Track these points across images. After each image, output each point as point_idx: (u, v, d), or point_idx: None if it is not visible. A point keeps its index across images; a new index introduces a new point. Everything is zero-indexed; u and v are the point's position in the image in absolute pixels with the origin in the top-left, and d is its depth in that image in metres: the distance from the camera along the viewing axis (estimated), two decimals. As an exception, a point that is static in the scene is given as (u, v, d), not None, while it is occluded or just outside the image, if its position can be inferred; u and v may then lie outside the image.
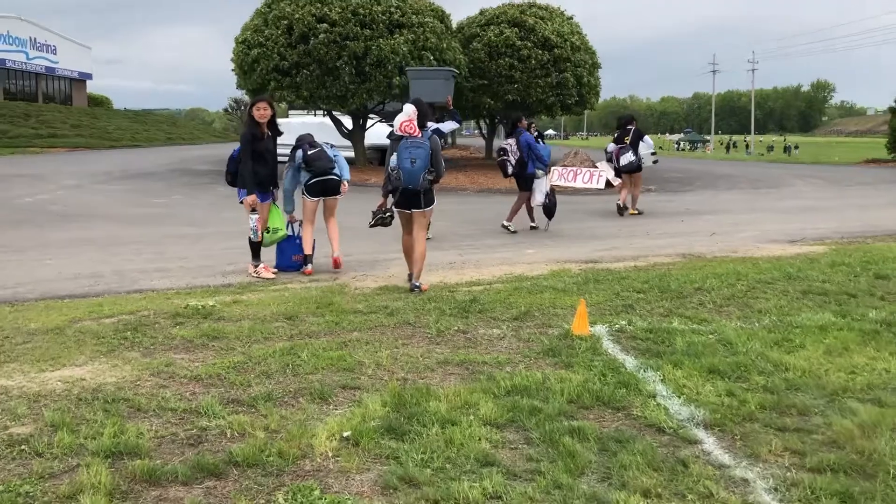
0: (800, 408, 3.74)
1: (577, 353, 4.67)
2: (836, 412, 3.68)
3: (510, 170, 10.82)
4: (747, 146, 73.53)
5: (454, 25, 24.92)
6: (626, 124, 13.03)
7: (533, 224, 11.13)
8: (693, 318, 5.62)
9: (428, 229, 7.75)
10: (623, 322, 5.51)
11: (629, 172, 12.79)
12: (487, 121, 31.20)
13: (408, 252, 6.99)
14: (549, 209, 10.88)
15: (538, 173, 10.82)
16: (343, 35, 19.92)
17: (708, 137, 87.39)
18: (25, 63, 47.94)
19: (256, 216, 7.32)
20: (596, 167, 16.92)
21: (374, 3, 20.66)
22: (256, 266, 7.47)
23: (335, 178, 7.83)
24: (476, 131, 50.29)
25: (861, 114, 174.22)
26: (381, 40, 19.91)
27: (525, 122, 11.53)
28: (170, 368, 4.39)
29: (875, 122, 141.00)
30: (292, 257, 7.87)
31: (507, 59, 23.03)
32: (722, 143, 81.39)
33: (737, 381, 4.16)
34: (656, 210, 13.94)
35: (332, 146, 8.02)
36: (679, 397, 3.92)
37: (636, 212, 12.96)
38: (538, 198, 10.85)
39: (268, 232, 7.55)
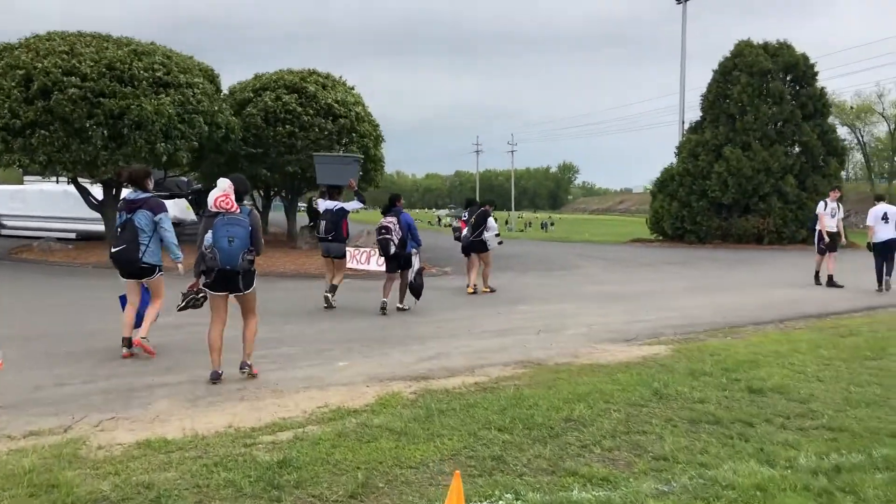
0: None
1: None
2: None
3: (393, 249, 10.40)
4: (507, 222, 77.08)
5: (225, 89, 22.76)
6: (472, 204, 13.59)
7: (400, 305, 10.82)
8: (591, 478, 4.16)
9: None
10: (509, 496, 3.89)
11: (467, 251, 13.19)
12: (262, 193, 28.92)
13: (214, 345, 6.37)
14: (416, 288, 10.76)
15: (413, 252, 10.74)
16: (96, 91, 17.00)
17: None
18: None
19: None
20: (358, 247, 15.55)
21: (133, 58, 18.00)
22: None
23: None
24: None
25: (601, 193, 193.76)
26: (143, 99, 17.25)
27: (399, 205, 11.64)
28: None
29: (613, 201, 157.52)
30: None
31: (287, 127, 21.16)
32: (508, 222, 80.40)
33: None
34: (463, 296, 12.76)
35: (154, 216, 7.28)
36: None
37: (488, 289, 13.06)
38: (410, 275, 10.71)
39: None
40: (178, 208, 25.76)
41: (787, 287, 14.58)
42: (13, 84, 16.61)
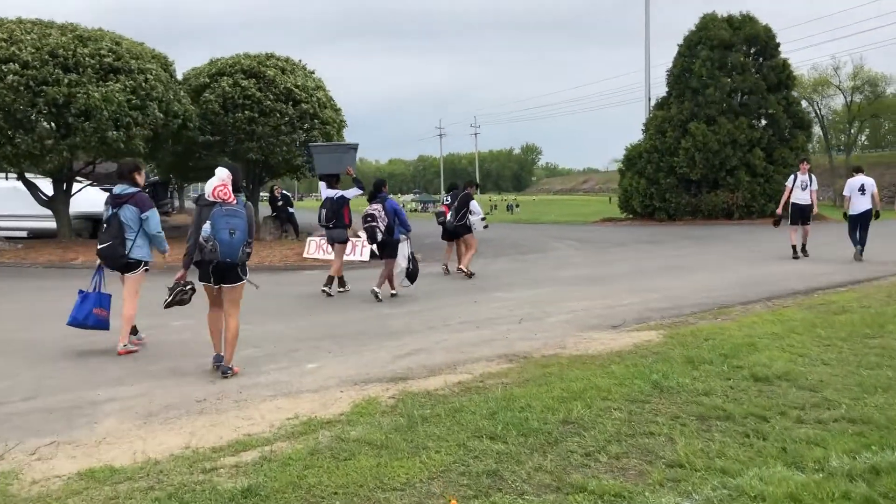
0: None
1: None
2: None
3: (379, 236, 10.32)
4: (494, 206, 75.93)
5: (179, 76, 21.79)
6: (455, 188, 13.56)
7: (394, 292, 10.68)
8: (602, 494, 3.66)
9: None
10: (513, 522, 3.38)
11: (450, 236, 13.33)
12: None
13: (215, 329, 6.36)
14: (413, 273, 10.73)
15: (402, 238, 10.62)
16: (38, 80, 16.03)
17: (437, 197, 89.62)
18: None
19: None
20: (358, 236, 14.92)
21: (78, 44, 17.04)
22: None
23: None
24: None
25: (564, 174, 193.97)
26: (89, 87, 16.32)
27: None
28: None
29: (576, 182, 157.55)
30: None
31: (246, 113, 20.30)
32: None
33: None
34: (438, 284, 12.21)
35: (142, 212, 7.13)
36: None
37: (469, 273, 12.74)
38: (401, 263, 10.61)
39: None
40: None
41: (766, 263, 14.29)
42: (-53, 74, 15.59)
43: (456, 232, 13.13)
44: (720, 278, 12.10)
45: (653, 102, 33.10)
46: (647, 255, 16.76)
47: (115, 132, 16.56)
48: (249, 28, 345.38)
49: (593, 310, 9.24)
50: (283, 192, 23.42)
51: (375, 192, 10.66)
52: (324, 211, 11.07)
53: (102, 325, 7.23)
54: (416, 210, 72.66)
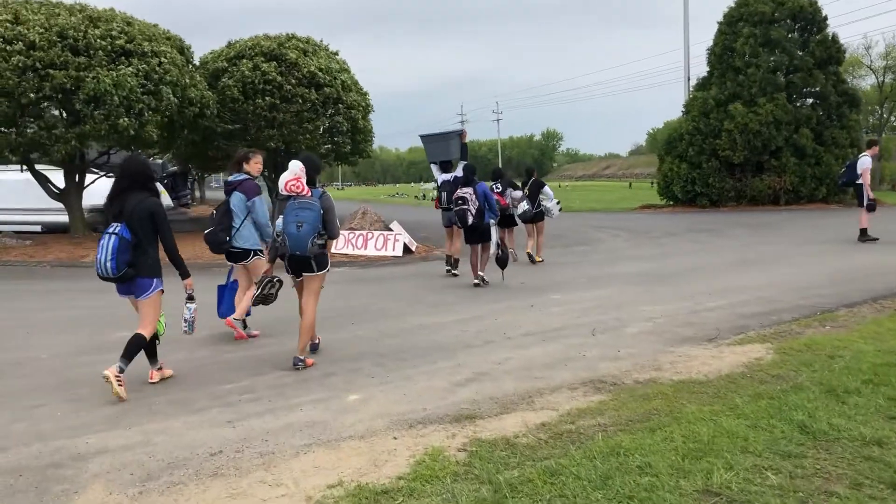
0: None
1: None
2: None
3: (470, 219, 10.15)
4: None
5: (196, 60, 20.57)
6: (500, 176, 13.04)
7: (477, 281, 10.48)
8: None
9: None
10: None
11: (527, 222, 13.18)
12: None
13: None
14: (503, 260, 10.64)
15: (492, 222, 10.59)
16: (45, 62, 14.89)
17: None
18: None
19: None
20: (390, 230, 13.67)
21: (88, 24, 15.86)
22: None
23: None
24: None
25: (585, 160, 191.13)
26: (99, 70, 15.15)
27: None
28: None
29: (598, 167, 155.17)
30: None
31: (267, 99, 19.03)
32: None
33: None
34: (486, 285, 10.94)
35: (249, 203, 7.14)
36: None
37: (540, 259, 13.11)
38: (491, 249, 10.58)
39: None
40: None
41: (845, 253, 12.86)
42: (-52, 57, 14.48)
43: (533, 218, 13.28)
44: (805, 273, 10.69)
45: (692, 83, 31.46)
46: (707, 247, 15.30)
47: (126, 119, 15.39)
48: (266, 18, 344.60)
49: (675, 316, 7.89)
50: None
51: (469, 175, 10.57)
52: (444, 194, 11.56)
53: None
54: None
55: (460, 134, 12.40)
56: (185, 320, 5.77)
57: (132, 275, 5.31)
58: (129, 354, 5.34)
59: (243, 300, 7.22)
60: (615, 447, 4.11)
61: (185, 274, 5.61)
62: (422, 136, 13.54)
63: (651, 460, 3.90)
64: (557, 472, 3.79)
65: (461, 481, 3.73)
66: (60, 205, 18.42)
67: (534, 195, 13.16)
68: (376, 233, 13.86)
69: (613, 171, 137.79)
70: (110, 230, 5.28)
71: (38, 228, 21.51)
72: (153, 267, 5.42)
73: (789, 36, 28.53)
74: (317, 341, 6.61)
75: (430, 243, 16.90)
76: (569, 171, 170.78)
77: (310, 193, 6.01)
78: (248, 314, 7.39)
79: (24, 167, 18.83)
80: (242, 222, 7.03)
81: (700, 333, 7.04)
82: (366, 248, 13.82)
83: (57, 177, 18.28)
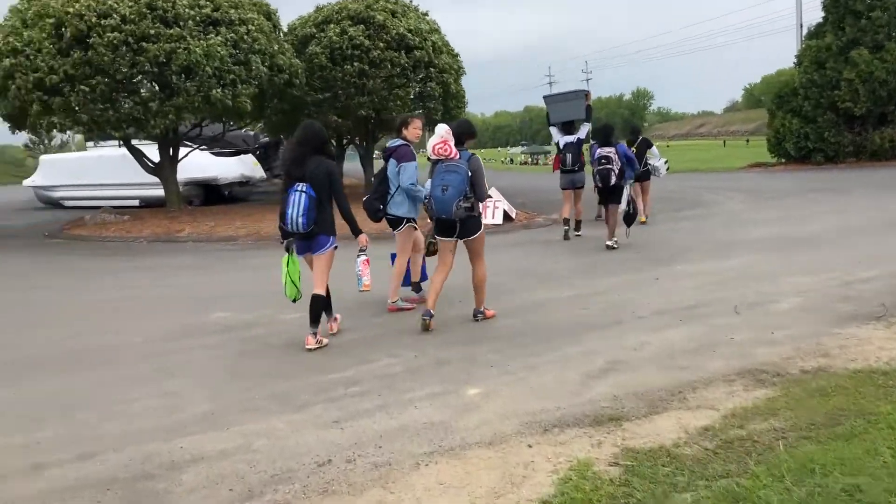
0: None
1: None
2: None
3: (613, 180, 10.09)
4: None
5: (284, 27, 20.20)
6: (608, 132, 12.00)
7: (609, 243, 10.20)
8: None
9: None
10: None
11: (637, 181, 12.76)
12: (334, 142, 26.43)
13: (434, 287, 6.24)
14: (631, 217, 10.47)
15: (626, 182, 10.58)
16: (137, 35, 14.76)
17: (548, 148, 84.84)
18: None
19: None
20: (490, 197, 12.95)
21: (176, -7, 15.64)
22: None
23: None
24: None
25: (678, 118, 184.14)
26: (190, 41, 14.93)
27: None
28: None
29: (692, 126, 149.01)
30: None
31: (355, 65, 18.47)
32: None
33: None
34: (599, 251, 10.11)
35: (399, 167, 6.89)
36: None
37: (644, 220, 12.74)
38: (622, 206, 10.46)
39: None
40: (245, 165, 23.68)
41: None
42: (44, 35, 14.52)
43: (640, 177, 12.99)
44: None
45: (804, 31, 29.10)
46: (839, 207, 13.79)
47: (218, 90, 15.15)
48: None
49: (828, 290, 6.88)
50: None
51: (608, 135, 10.33)
52: (569, 156, 11.49)
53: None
54: (525, 163, 68.81)
55: (586, 94, 12.14)
56: (357, 275, 6.01)
57: (317, 232, 5.59)
58: (315, 318, 5.66)
59: (392, 278, 7.14)
60: (806, 462, 3.31)
61: (357, 231, 5.90)
62: (545, 97, 13.30)
63: (860, 482, 3.09)
64: (742, 497, 3.04)
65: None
66: (156, 179, 18.54)
67: (641, 153, 13.14)
68: (475, 201, 13.21)
69: (708, 130, 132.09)
70: (298, 188, 5.51)
71: (135, 203, 21.90)
72: (332, 224, 5.72)
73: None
74: (482, 309, 6.48)
75: (527, 209, 16.09)
76: (660, 131, 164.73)
77: (458, 156, 6.01)
78: (422, 278, 7.50)
79: (121, 143, 19.04)
80: (397, 189, 6.87)
81: (862, 310, 6.04)
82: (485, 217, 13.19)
83: (151, 151, 18.38)
